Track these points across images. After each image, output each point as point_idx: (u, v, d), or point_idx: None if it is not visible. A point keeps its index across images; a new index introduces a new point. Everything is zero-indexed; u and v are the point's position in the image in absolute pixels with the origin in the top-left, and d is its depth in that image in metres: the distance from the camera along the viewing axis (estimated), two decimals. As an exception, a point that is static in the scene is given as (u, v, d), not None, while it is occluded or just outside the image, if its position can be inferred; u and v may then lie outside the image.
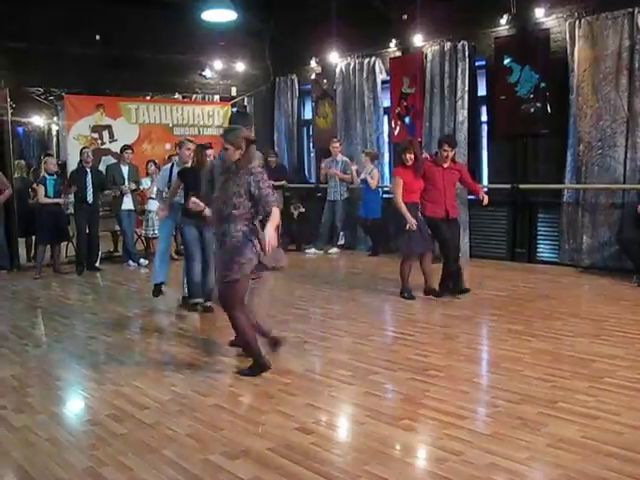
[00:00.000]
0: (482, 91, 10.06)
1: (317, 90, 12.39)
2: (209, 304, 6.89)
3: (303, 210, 12.03)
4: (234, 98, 13.00)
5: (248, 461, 3.49)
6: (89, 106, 11.21)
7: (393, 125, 10.99)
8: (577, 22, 8.53)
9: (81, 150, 10.12)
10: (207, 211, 5.69)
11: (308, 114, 13.11)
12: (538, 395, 4.30)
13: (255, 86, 13.04)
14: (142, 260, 10.46)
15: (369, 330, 6.18)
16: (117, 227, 10.80)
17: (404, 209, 7.15)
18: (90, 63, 10.71)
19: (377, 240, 10.84)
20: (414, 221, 7.12)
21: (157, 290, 7.60)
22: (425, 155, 7.73)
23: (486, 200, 7.55)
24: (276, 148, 12.98)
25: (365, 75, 11.30)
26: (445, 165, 7.42)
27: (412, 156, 7.26)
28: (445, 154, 7.36)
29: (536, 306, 6.94)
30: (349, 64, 11.59)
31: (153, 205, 9.82)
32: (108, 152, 11.18)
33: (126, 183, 10.29)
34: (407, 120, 10.75)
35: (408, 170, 7.31)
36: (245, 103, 13.44)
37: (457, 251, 7.69)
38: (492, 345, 5.86)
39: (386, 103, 11.26)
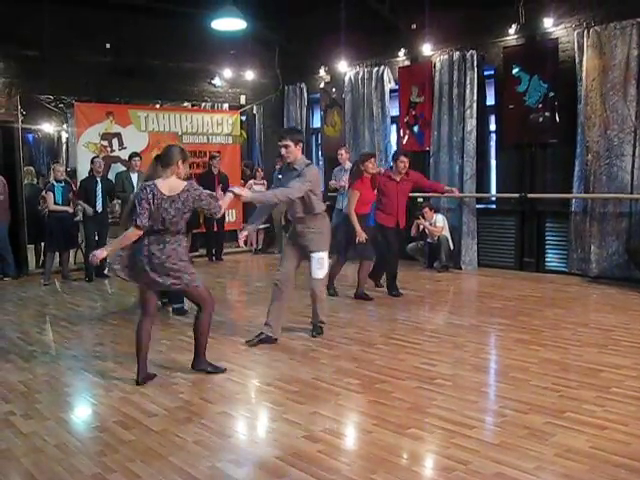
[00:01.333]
0: (491, 100, 10.07)
1: (326, 99, 12.42)
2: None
3: None
4: (243, 106, 13.06)
5: (255, 469, 3.50)
6: (99, 114, 11.27)
7: (402, 134, 11.00)
8: (585, 32, 8.54)
9: (92, 159, 10.16)
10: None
11: (317, 122, 13.14)
12: (546, 405, 4.29)
13: (264, 94, 13.10)
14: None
15: (376, 338, 6.18)
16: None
17: (356, 221, 7.61)
18: (100, 71, 10.80)
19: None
20: (364, 235, 7.60)
21: None
22: (380, 169, 8.28)
23: (457, 193, 8.86)
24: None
25: (374, 84, 11.32)
26: (398, 178, 8.03)
27: (374, 165, 7.79)
28: (402, 165, 8.00)
29: (544, 315, 6.93)
30: (358, 73, 11.62)
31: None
32: (118, 160, 11.24)
33: (135, 191, 10.33)
34: (416, 129, 10.77)
35: (365, 183, 7.76)
36: (254, 111, 13.49)
37: (397, 257, 8.38)
38: (500, 354, 5.85)
39: (394, 112, 11.28)
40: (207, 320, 5.18)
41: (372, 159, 7.84)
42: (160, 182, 4.86)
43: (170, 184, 4.87)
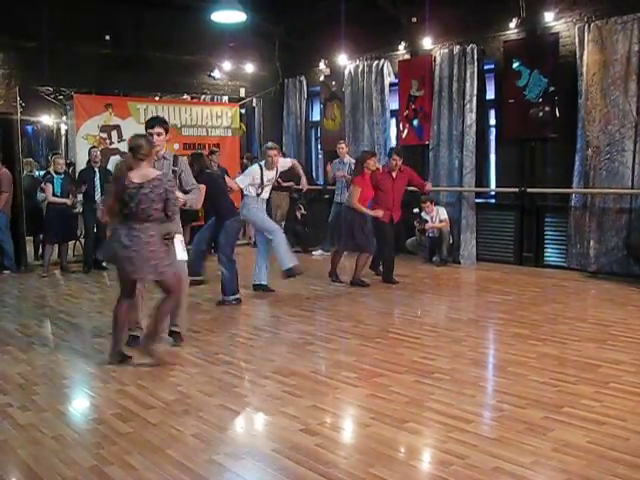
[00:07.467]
0: (491, 94, 10.05)
1: (325, 92, 12.40)
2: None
3: (305, 212, 12.02)
4: (243, 99, 13.03)
5: (252, 462, 3.50)
6: (98, 106, 11.24)
7: (401, 128, 10.98)
8: (586, 26, 8.50)
9: (89, 150, 10.15)
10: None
11: (316, 116, 13.12)
12: (544, 400, 4.28)
13: (264, 87, 13.07)
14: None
15: (375, 332, 6.17)
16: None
17: (363, 209, 8.13)
18: (100, 63, 10.77)
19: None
20: (380, 211, 8.19)
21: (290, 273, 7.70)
22: (378, 166, 8.54)
23: (429, 187, 9.16)
24: (284, 149, 12.99)
25: (374, 77, 11.29)
26: (394, 174, 8.46)
27: (375, 162, 8.30)
28: (394, 162, 8.43)
29: (543, 310, 6.93)
30: (358, 66, 11.59)
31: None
32: (117, 152, 11.19)
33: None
34: (415, 123, 10.75)
35: (366, 180, 8.22)
36: (254, 104, 13.45)
37: (392, 247, 8.74)
38: (498, 349, 5.84)
39: (394, 106, 11.25)
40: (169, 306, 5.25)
41: (374, 158, 8.31)
42: (133, 172, 4.98)
43: (142, 172, 4.99)
